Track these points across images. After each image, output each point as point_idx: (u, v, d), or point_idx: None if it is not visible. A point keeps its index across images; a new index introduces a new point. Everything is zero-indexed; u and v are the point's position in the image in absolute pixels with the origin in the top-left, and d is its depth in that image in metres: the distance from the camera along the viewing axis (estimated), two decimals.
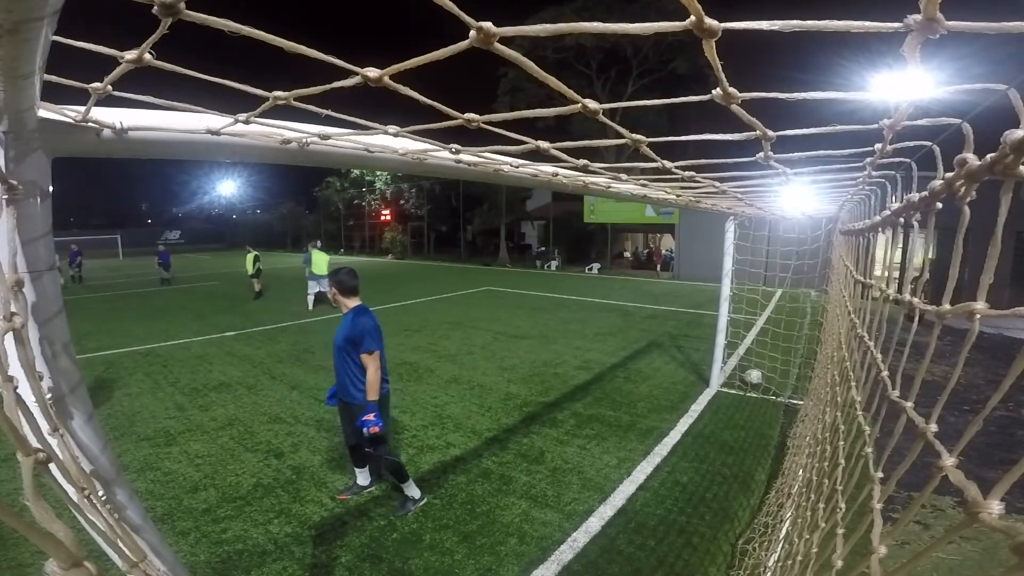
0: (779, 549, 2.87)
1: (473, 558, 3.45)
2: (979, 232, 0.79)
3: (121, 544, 0.83)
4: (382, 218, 38.96)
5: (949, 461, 0.64)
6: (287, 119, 1.25)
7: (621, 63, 27.07)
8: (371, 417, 3.66)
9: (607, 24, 0.52)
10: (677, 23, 0.50)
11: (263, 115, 1.05)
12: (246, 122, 1.16)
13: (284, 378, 7.34)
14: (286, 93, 0.97)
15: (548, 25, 0.55)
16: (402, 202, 37.77)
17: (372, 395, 3.72)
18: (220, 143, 1.22)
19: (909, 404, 0.92)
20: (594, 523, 3.85)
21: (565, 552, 3.52)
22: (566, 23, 0.52)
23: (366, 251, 38.59)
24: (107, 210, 63.31)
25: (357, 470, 4.24)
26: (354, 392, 3.81)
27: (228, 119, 1.14)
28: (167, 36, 0.60)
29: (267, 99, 0.97)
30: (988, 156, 0.65)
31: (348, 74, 0.80)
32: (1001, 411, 5.82)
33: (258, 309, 13.41)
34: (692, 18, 0.48)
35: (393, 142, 1.52)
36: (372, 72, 0.80)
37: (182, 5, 0.53)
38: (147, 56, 0.67)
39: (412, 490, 4.06)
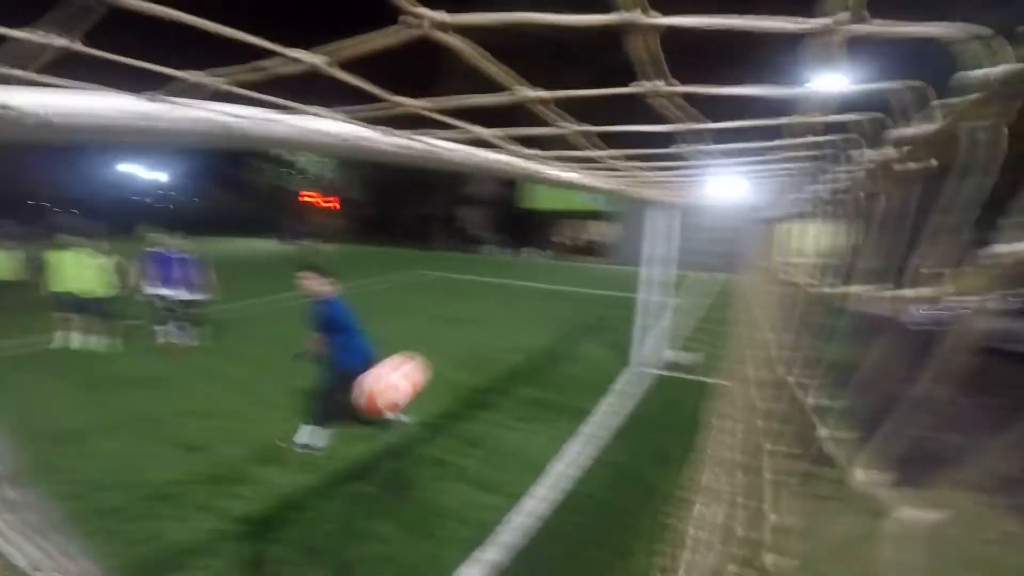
0: (695, 522, 3.06)
1: (413, 544, 3.45)
2: (889, 219, 0.87)
3: (26, 546, 0.76)
4: (313, 201, 37.30)
5: (824, 432, 0.71)
6: (220, 101, 1.18)
7: (564, 52, 27.23)
8: None
9: (552, 15, 0.52)
10: (619, 16, 0.51)
11: (194, 99, 0.98)
12: (174, 104, 1.08)
13: (198, 370, 6.92)
14: (217, 78, 0.90)
15: (493, 15, 0.55)
16: (335, 185, 36.28)
17: None
18: (149, 127, 1.12)
19: (792, 380, 1.02)
20: (532, 504, 3.95)
21: (505, 533, 3.58)
22: (514, 12, 0.51)
23: (294, 236, 36.85)
24: None
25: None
26: None
27: (156, 104, 1.05)
28: (97, 18, 0.55)
29: (197, 83, 0.91)
30: (898, 148, 0.73)
31: (287, 59, 0.76)
32: (898, 387, 6.50)
33: None
34: (632, 12, 0.49)
35: (330, 126, 1.47)
36: (310, 55, 0.76)
37: None
38: (72, 42, 0.61)
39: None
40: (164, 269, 7.43)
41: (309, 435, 4.55)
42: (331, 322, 4.31)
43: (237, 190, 42.71)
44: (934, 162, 0.64)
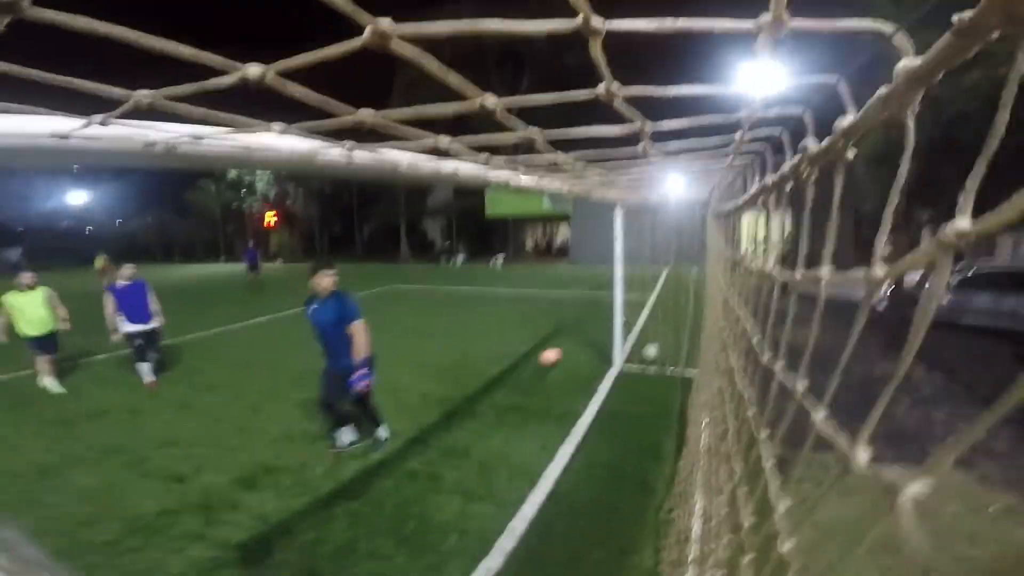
0: (697, 514, 3.07)
1: (415, 560, 3.37)
2: (823, 207, 0.91)
3: None
4: (266, 222, 36.35)
5: (820, 415, 0.71)
6: (157, 120, 1.13)
7: (517, 59, 27.61)
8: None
9: (503, 21, 0.53)
10: (567, 21, 0.53)
11: (126, 116, 0.95)
12: (103, 123, 1.04)
13: (171, 399, 6.66)
14: (151, 92, 0.88)
15: (445, 24, 0.55)
16: (288, 202, 35.43)
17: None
18: (71, 149, 1.07)
19: (779, 366, 1.03)
20: (528, 509, 3.88)
21: (506, 541, 3.52)
22: (464, 19, 0.52)
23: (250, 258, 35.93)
24: None
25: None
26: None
27: (81, 121, 1.01)
28: (6, 33, 0.52)
29: (127, 100, 0.88)
30: (824, 142, 0.77)
31: (226, 71, 0.75)
32: (859, 368, 6.75)
33: None
34: (580, 18, 0.51)
35: (278, 141, 1.43)
36: (254, 69, 0.75)
37: (25, 3, 0.46)
38: None
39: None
40: (125, 300, 7.10)
41: (349, 433, 4.91)
42: (346, 315, 4.44)
43: (186, 213, 41.25)
44: (851, 155, 0.68)
